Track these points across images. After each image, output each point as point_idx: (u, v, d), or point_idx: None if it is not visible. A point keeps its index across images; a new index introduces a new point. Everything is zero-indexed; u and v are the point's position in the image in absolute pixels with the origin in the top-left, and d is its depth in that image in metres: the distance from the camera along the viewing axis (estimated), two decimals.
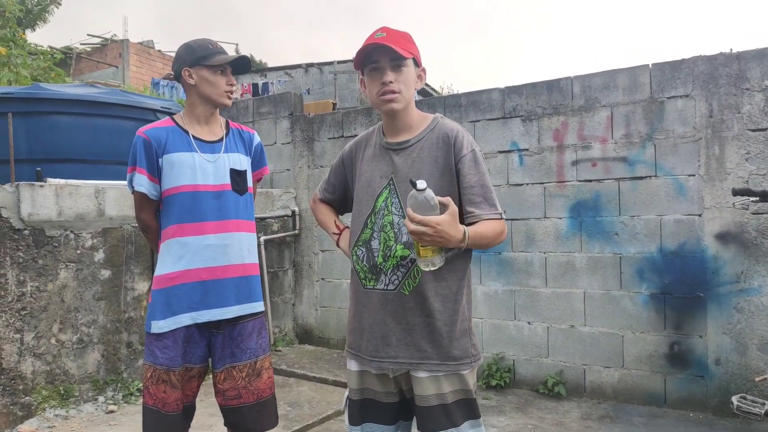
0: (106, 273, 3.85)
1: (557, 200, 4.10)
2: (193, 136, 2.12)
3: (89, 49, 16.34)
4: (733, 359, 3.53)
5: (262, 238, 5.02)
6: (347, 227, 1.91)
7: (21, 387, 3.43)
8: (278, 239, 5.32)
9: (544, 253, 4.15)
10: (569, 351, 4.04)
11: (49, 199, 3.58)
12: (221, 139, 2.18)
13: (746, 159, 3.52)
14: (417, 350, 1.64)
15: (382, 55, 1.65)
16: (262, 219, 5.10)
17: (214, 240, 2.07)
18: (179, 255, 2.05)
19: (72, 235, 3.69)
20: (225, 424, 2.20)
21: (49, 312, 3.57)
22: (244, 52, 20.20)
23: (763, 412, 2.84)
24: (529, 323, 4.21)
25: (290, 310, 5.51)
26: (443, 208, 1.48)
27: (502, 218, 1.65)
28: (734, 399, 2.97)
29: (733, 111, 3.56)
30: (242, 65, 2.18)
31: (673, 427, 3.42)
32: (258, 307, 2.18)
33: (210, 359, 2.16)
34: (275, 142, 5.67)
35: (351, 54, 1.94)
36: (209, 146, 2.14)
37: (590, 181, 3.99)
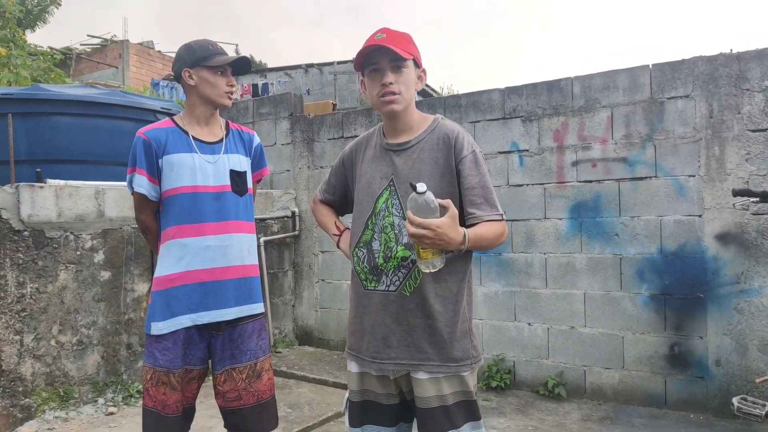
0: (105, 274, 3.85)
1: (557, 201, 4.10)
2: (193, 137, 2.12)
3: (89, 50, 16.34)
4: (734, 360, 3.53)
5: (262, 239, 5.02)
6: (348, 228, 1.91)
7: (21, 389, 3.42)
8: (278, 240, 5.31)
9: (544, 253, 4.15)
10: (569, 352, 4.04)
11: (49, 200, 3.57)
12: (221, 140, 2.17)
13: (746, 159, 3.52)
14: (417, 351, 1.64)
15: (382, 57, 1.65)
16: (262, 220, 5.09)
17: (214, 241, 2.07)
18: (179, 256, 2.05)
19: (72, 237, 3.68)
20: (225, 426, 2.19)
21: (49, 313, 3.57)
22: (244, 52, 20.25)
23: (763, 413, 2.83)
24: (529, 324, 4.20)
25: (290, 312, 5.51)
26: (443, 210, 1.48)
27: (502, 219, 1.65)
28: (735, 400, 2.96)
29: (733, 111, 3.56)
30: (242, 66, 2.17)
31: (674, 429, 3.42)
32: (258, 308, 2.18)
33: (210, 361, 2.15)
34: (275, 143, 5.66)
35: (351, 54, 1.95)
36: (209, 147, 2.13)
37: (590, 181, 3.99)
